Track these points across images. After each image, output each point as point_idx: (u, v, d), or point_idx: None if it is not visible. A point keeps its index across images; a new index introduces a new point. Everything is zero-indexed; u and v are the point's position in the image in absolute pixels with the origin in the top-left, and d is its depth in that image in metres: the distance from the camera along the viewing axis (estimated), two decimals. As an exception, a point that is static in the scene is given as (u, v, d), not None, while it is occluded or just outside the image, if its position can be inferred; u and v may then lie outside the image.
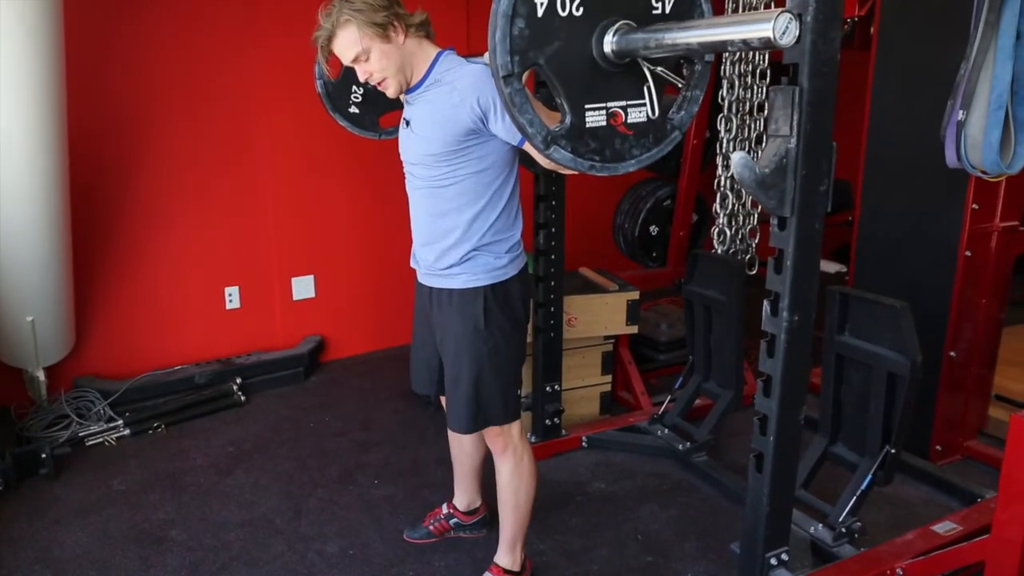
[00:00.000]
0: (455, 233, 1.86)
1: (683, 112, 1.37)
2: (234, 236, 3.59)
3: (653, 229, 3.95)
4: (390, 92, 1.83)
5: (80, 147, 2.97)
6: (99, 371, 3.37)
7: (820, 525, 2.18)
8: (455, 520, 2.36)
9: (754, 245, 3.39)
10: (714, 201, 3.37)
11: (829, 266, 4.24)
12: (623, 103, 1.28)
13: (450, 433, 2.18)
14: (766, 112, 3.17)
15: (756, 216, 3.38)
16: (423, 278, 1.99)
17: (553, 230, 2.67)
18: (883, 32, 2.77)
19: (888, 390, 2.11)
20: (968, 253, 2.57)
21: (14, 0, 2.36)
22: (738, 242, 3.38)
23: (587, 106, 1.24)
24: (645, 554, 2.31)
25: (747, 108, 3.32)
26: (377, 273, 3.94)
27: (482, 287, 1.86)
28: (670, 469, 2.79)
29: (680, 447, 2.77)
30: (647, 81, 1.30)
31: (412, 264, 2.03)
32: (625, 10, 1.24)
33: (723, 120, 3.31)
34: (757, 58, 3.27)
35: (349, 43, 1.75)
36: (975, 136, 1.86)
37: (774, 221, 1.53)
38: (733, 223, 3.36)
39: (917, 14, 2.65)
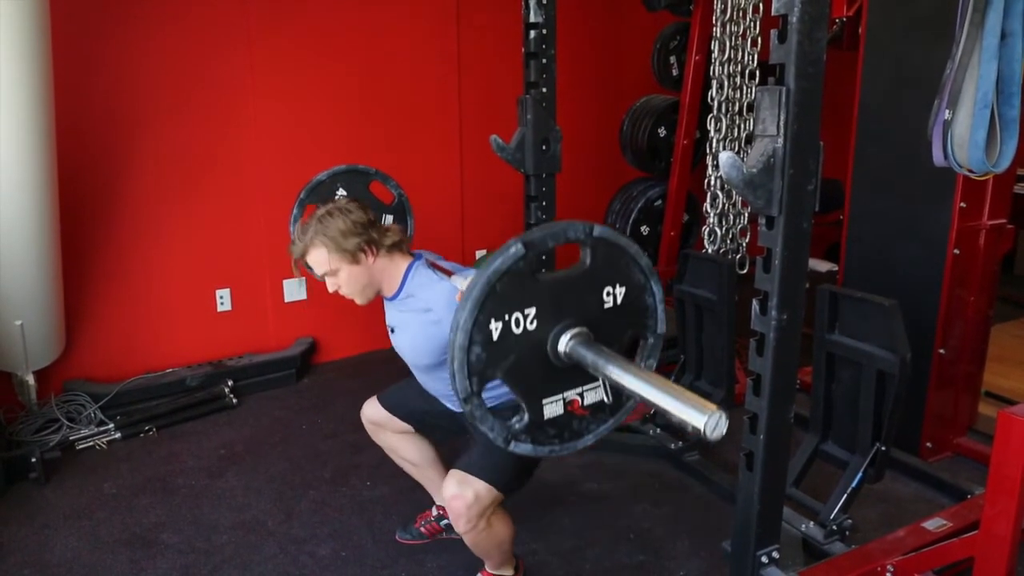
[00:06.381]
0: None
1: None
2: (225, 238, 3.58)
3: (644, 229, 3.96)
4: (358, 303, 1.98)
5: (68, 149, 2.96)
6: (89, 374, 3.36)
7: (811, 523, 2.19)
8: (445, 521, 2.35)
9: (744, 244, 3.41)
10: (705, 201, 3.38)
11: (820, 265, 4.26)
12: (579, 389, 1.30)
13: (389, 451, 2.31)
14: (754, 112, 3.19)
15: (746, 215, 3.39)
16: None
17: (544, 231, 2.67)
18: (870, 32, 2.78)
19: (878, 388, 2.12)
20: (956, 251, 2.58)
21: (2, 6, 2.35)
22: (728, 241, 3.39)
23: (544, 400, 1.27)
24: (638, 553, 2.32)
25: (736, 108, 3.33)
26: (369, 274, 3.93)
27: None
28: (662, 468, 2.80)
29: (672, 446, 2.78)
30: None
31: None
32: (578, 312, 1.25)
33: (712, 120, 3.32)
34: (746, 58, 3.28)
35: (319, 262, 1.90)
36: (961, 135, 1.87)
37: (762, 220, 1.54)
38: (723, 223, 3.37)
39: (903, 15, 2.66)
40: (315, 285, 3.83)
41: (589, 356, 1.22)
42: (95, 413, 3.12)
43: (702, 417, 1.07)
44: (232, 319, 3.67)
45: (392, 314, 2.04)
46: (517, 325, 1.20)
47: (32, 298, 2.89)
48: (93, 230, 3.28)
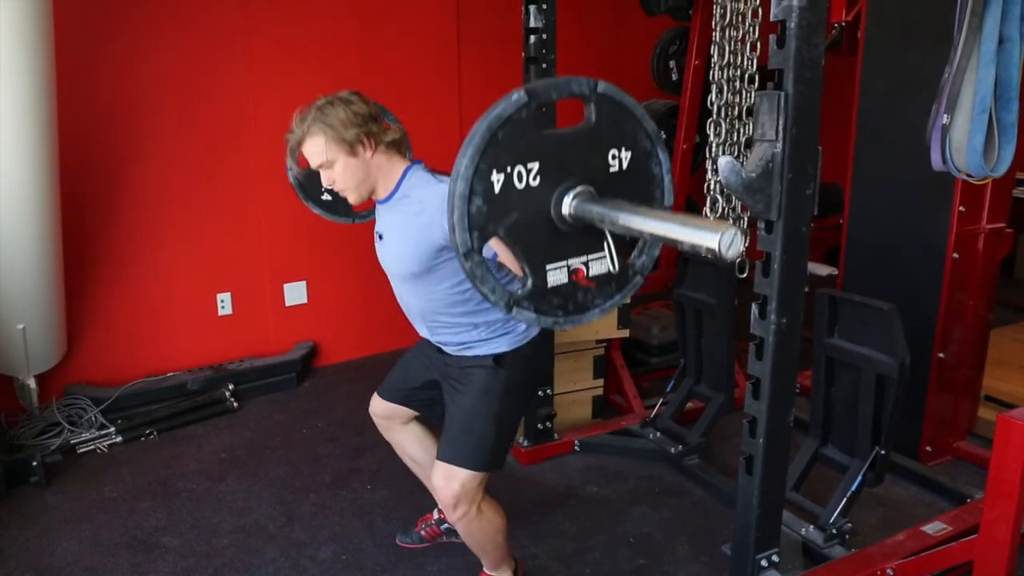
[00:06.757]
0: (453, 327, 1.91)
1: (644, 256, 1.33)
2: (225, 242, 3.59)
3: (644, 233, 3.96)
4: (351, 200, 1.91)
5: (70, 153, 2.97)
6: (90, 378, 3.36)
7: (811, 527, 2.19)
8: (446, 525, 2.36)
9: (744, 248, 3.41)
10: (704, 205, 3.38)
11: (820, 269, 4.26)
12: (584, 258, 1.26)
13: (397, 448, 2.27)
14: (754, 117, 3.18)
15: (746, 220, 3.39)
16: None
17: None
18: (869, 37, 2.79)
19: (877, 391, 2.13)
20: (955, 255, 2.59)
21: (4, 8, 2.36)
22: (728, 246, 3.39)
23: (548, 266, 1.23)
24: (637, 557, 2.32)
25: (736, 113, 3.33)
26: (369, 278, 3.92)
27: (496, 353, 1.90)
28: (662, 472, 2.80)
29: (672, 450, 2.78)
30: (606, 236, 1.29)
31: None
32: (582, 173, 1.22)
33: (712, 125, 3.32)
34: (745, 63, 3.28)
35: (316, 151, 1.83)
36: (959, 139, 1.88)
37: (761, 225, 1.54)
38: (723, 227, 3.37)
39: (902, 20, 2.67)
40: (316, 288, 3.83)
41: (595, 208, 1.18)
42: (96, 417, 3.13)
43: (715, 236, 1.03)
44: (233, 323, 3.68)
45: (383, 219, 1.95)
46: (520, 180, 1.16)
47: (34, 302, 2.89)
48: (94, 234, 3.29)
